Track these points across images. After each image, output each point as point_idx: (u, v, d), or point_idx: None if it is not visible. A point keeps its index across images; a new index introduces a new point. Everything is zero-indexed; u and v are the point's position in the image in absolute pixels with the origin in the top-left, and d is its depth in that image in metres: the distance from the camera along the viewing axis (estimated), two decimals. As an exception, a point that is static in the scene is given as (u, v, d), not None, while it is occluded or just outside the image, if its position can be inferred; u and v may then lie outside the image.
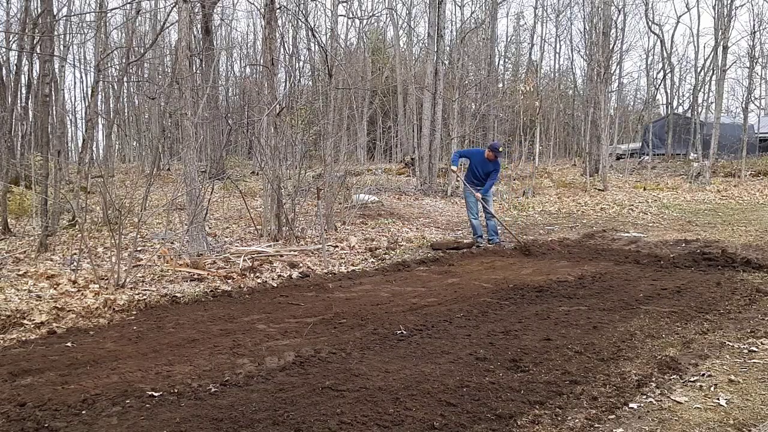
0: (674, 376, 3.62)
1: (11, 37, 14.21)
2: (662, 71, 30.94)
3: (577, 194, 17.90)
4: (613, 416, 3.07)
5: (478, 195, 9.33)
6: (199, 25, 17.07)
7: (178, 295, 5.78)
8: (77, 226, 8.28)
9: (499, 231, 9.50)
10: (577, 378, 3.54)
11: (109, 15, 18.83)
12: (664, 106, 32.70)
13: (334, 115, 12.96)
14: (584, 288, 6.19)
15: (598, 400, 3.24)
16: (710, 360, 3.92)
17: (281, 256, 7.81)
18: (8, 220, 9.87)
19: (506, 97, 27.74)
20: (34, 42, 11.04)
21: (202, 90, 11.42)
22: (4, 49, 15.54)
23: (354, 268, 7.46)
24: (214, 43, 19.62)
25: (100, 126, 22.77)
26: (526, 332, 4.52)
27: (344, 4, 18.78)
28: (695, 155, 27.57)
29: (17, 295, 5.47)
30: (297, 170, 11.06)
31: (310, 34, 16.61)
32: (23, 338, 4.45)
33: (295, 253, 8.00)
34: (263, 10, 9.79)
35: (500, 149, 9.68)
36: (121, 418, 3.04)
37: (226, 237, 9.45)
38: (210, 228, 10.01)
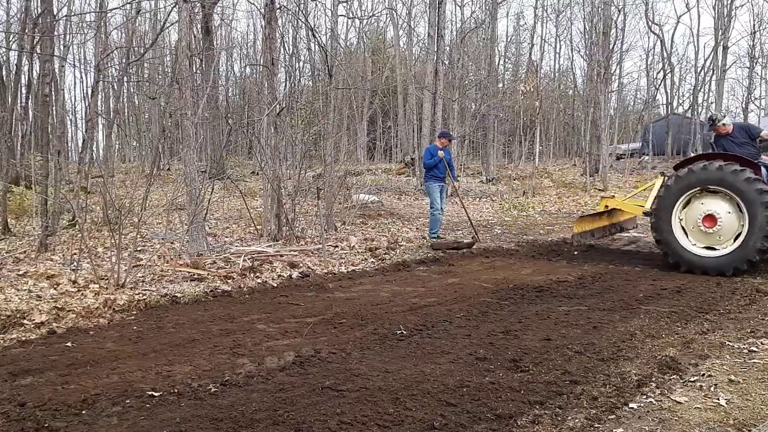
0: (674, 376, 3.62)
1: (11, 37, 14.22)
2: (662, 71, 30.89)
3: (577, 194, 17.91)
4: (613, 416, 3.07)
5: (456, 183, 10.70)
6: (199, 25, 17.05)
7: (178, 295, 5.78)
8: (77, 226, 8.28)
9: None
10: (577, 378, 3.55)
11: (109, 15, 18.84)
12: (664, 106, 32.67)
13: (334, 115, 12.97)
14: (584, 288, 6.19)
15: (598, 400, 3.24)
16: (710, 360, 3.92)
17: (281, 256, 7.80)
18: (8, 220, 9.87)
19: (506, 97, 27.69)
20: (34, 42, 11.03)
21: (202, 90, 11.41)
22: (4, 49, 15.55)
23: (354, 268, 7.46)
24: (214, 43, 19.60)
25: (100, 126, 22.74)
26: (526, 332, 4.52)
27: (344, 4, 18.78)
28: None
29: (17, 295, 5.47)
30: (297, 170, 11.05)
31: (310, 34, 16.60)
32: (23, 338, 4.45)
33: (295, 253, 8.00)
34: (263, 10, 9.79)
35: (450, 133, 11.17)
36: (121, 418, 3.04)
37: (226, 237, 9.45)
38: (210, 228, 10.00)
